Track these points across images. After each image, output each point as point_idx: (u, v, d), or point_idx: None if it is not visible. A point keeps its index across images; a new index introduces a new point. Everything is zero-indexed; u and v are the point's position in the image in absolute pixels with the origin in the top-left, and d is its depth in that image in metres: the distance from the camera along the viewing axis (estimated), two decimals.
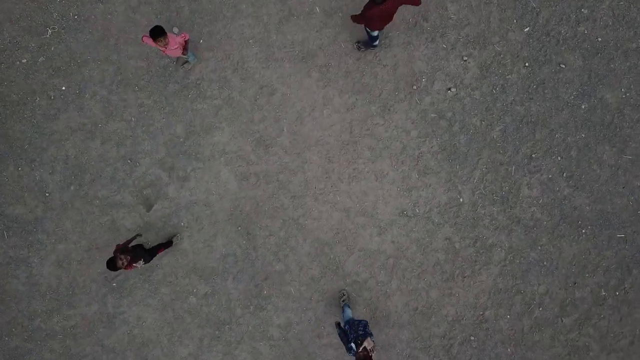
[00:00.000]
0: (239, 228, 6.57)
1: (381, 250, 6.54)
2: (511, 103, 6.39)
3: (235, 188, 6.53)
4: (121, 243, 5.76)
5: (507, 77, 6.37)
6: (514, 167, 6.44)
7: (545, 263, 6.52)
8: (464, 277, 6.58)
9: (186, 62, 6.39)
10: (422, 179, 6.46)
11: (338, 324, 5.36)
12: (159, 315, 6.68)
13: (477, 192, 6.47)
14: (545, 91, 6.35)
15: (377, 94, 6.42)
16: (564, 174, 6.42)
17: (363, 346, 4.83)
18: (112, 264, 5.21)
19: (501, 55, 6.36)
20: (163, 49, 5.21)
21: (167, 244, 6.35)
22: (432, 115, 6.42)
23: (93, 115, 6.51)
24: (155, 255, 5.95)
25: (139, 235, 6.17)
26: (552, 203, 6.45)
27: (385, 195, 6.48)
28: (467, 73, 6.38)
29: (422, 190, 6.47)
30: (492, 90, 6.38)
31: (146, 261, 5.65)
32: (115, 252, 5.40)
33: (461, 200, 6.48)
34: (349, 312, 5.94)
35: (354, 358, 5.13)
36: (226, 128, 6.48)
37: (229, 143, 6.49)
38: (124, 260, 5.26)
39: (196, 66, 6.43)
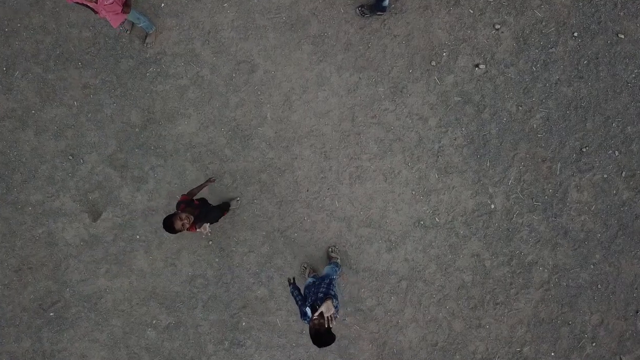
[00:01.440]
0: (210, 243, 5.16)
1: (392, 270, 5.14)
2: (555, 83, 5.03)
3: (205, 191, 5.12)
4: (186, 194, 4.26)
5: (551, 50, 5.02)
6: (559, 164, 5.07)
7: (599, 286, 5.14)
8: (497, 304, 5.19)
9: (147, 35, 5.02)
10: (444, 179, 5.09)
11: (291, 281, 4.09)
12: (109, 353, 5.25)
13: (513, 196, 5.10)
14: (599, 68, 5.00)
15: (386, 71, 5.05)
16: (623, 173, 5.06)
17: (319, 311, 3.44)
18: (170, 225, 3.82)
19: (543, 23, 5.01)
20: (93, 4, 3.84)
21: (224, 206, 4.97)
22: (456, 98, 5.06)
23: (25, 98, 5.10)
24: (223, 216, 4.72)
25: (210, 180, 4.58)
26: (608, 210, 5.09)
27: (397, 200, 5.10)
28: (500, 45, 5.03)
29: (444, 193, 5.09)
30: (531, 68, 5.03)
31: (212, 222, 4.31)
32: (178, 206, 4.06)
33: (492, 206, 5.11)
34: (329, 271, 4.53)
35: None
36: (194, 115, 5.09)
37: (197, 134, 5.10)
38: (186, 220, 3.86)
39: (156, 36, 5.05)
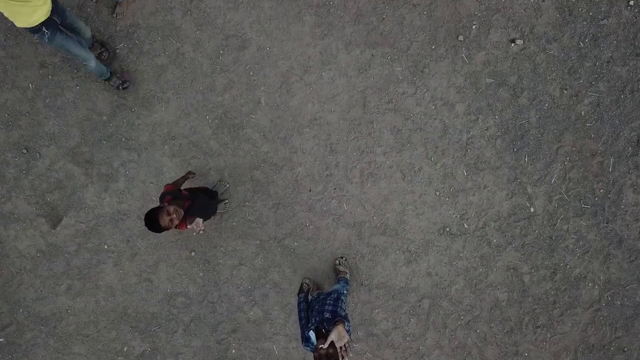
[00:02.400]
0: (193, 253, 4.29)
1: (411, 286, 4.28)
2: (607, 62, 4.18)
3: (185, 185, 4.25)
4: (171, 184, 3.45)
5: (602, 22, 4.17)
6: (612, 159, 4.22)
7: None
8: (537, 328, 4.33)
9: (117, 3, 4.16)
10: (473, 177, 4.23)
11: (302, 294, 3.31)
12: None
13: (556, 197, 4.24)
14: None
15: (404, 48, 4.20)
16: None
17: (329, 340, 2.53)
18: (154, 222, 2.95)
19: None
20: None
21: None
22: (488, 80, 4.20)
23: None
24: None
25: (190, 173, 3.83)
26: None
27: (418, 202, 4.24)
28: (541, 17, 4.18)
29: (474, 194, 4.24)
30: (578, 43, 4.18)
31: (207, 217, 3.48)
32: (162, 199, 3.20)
33: (532, 210, 4.25)
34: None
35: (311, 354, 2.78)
36: (173, 100, 4.23)
37: (176, 123, 4.23)
38: (175, 215, 2.98)
39: (127, 5, 4.18)
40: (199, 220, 3.13)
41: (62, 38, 3.54)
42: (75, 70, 4.22)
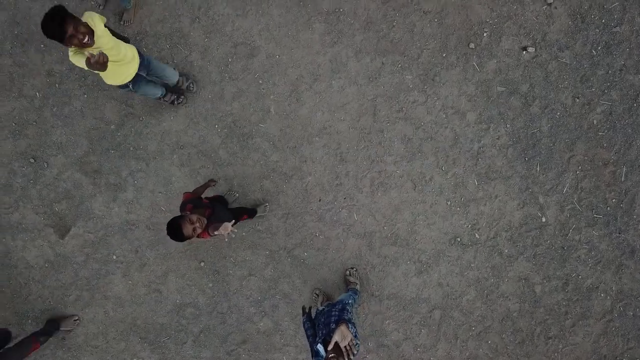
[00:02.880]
0: (202, 264, 4.26)
1: (422, 297, 4.25)
2: (620, 70, 4.14)
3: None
4: (190, 192, 3.38)
5: (614, 30, 4.12)
6: (624, 168, 4.18)
7: None
8: (549, 339, 4.30)
9: (124, 10, 4.12)
10: (485, 187, 4.19)
11: (306, 311, 3.16)
12: None
13: (568, 207, 4.21)
14: None
15: (414, 56, 4.16)
16: None
17: (332, 343, 2.51)
18: (177, 231, 2.88)
19: None
20: None
21: (251, 211, 4.03)
22: (499, 88, 4.16)
23: None
24: (237, 222, 3.58)
25: (212, 181, 3.64)
26: None
27: (429, 212, 4.20)
28: (553, 24, 4.14)
29: (485, 204, 4.20)
30: (590, 51, 4.14)
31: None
32: (183, 208, 3.13)
33: (544, 219, 4.21)
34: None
35: None
36: (181, 109, 4.19)
37: (185, 132, 4.19)
38: (198, 223, 2.92)
39: (135, 12, 4.14)
40: (227, 224, 3.00)
41: (145, 87, 3.59)
42: (83, 79, 4.18)
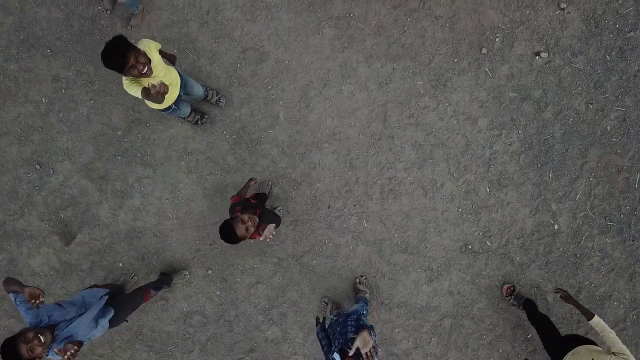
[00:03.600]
0: (209, 272, 4.21)
1: (432, 305, 4.19)
2: (634, 76, 4.09)
3: (202, 208, 4.17)
4: (236, 195, 3.40)
5: (629, 35, 4.07)
6: (638, 175, 4.13)
7: None
8: None
9: (132, 16, 4.06)
10: (496, 193, 4.14)
11: (320, 321, 3.15)
12: None
13: (581, 214, 4.15)
14: None
15: (425, 61, 4.10)
16: None
17: (354, 347, 2.51)
18: (230, 233, 2.88)
19: (619, 1, 4.06)
20: None
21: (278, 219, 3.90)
22: (512, 94, 4.11)
23: None
24: (278, 226, 3.58)
25: (252, 180, 3.60)
26: None
27: (440, 219, 4.15)
28: (566, 29, 4.08)
29: (496, 211, 4.14)
30: (604, 56, 4.08)
31: (277, 225, 3.31)
32: (232, 211, 3.13)
33: (556, 227, 4.16)
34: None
35: None
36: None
37: (193, 138, 4.14)
38: (250, 222, 2.91)
39: (142, 17, 4.09)
40: (271, 226, 3.04)
41: (183, 106, 3.61)
42: (89, 84, 4.13)
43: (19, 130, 4.17)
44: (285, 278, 4.19)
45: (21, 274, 4.22)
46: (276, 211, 4.05)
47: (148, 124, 4.14)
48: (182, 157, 4.15)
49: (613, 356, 2.97)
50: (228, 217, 3.87)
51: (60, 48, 4.13)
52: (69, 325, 2.85)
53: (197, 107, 4.07)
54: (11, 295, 2.89)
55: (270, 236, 3.04)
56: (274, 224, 3.09)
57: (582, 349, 3.16)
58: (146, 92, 2.82)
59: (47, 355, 2.71)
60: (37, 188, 4.19)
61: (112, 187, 4.18)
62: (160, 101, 2.96)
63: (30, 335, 2.54)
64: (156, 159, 4.15)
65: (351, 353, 2.53)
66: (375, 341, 2.71)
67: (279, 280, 4.20)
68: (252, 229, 2.91)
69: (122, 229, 4.20)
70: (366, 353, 2.52)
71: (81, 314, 2.94)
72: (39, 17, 4.12)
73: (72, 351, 2.65)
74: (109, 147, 4.16)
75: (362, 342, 2.52)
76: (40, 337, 2.57)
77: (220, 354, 4.26)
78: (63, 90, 4.15)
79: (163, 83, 2.80)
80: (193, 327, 4.25)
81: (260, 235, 3.06)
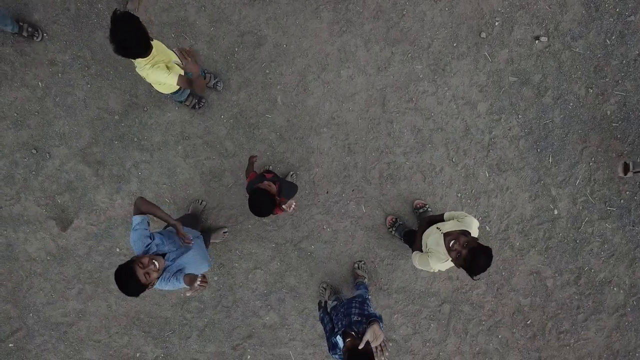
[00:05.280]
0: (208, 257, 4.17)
1: (431, 291, 4.17)
2: (635, 60, 4.06)
3: (200, 193, 4.14)
4: (250, 172, 3.34)
5: (629, 19, 4.05)
6: (638, 159, 4.10)
7: None
8: (560, 333, 4.22)
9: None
10: (496, 178, 4.11)
11: (322, 305, 3.15)
12: None
13: (581, 199, 4.13)
14: None
15: (424, 45, 4.07)
16: None
17: (364, 340, 2.44)
18: (260, 204, 2.83)
19: None
20: None
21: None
22: (511, 78, 4.08)
23: None
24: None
25: (253, 157, 3.49)
26: None
27: (439, 204, 4.12)
28: (566, 13, 4.06)
29: (496, 196, 4.12)
30: (604, 41, 4.06)
31: (295, 192, 3.46)
32: (250, 186, 3.06)
33: (556, 212, 4.14)
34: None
35: None
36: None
37: (191, 122, 4.11)
38: (269, 186, 2.91)
39: (140, 1, 4.06)
40: (291, 202, 3.03)
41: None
42: (86, 68, 4.10)
43: (15, 114, 4.13)
44: (283, 263, 4.17)
45: (17, 259, 4.19)
46: (289, 177, 4.01)
47: (145, 109, 4.11)
48: (180, 141, 4.12)
49: (453, 220, 2.91)
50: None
51: (57, 32, 4.09)
52: (179, 258, 2.82)
53: (195, 92, 4.04)
54: (138, 217, 2.77)
55: (292, 208, 3.00)
56: (293, 202, 3.07)
57: (432, 227, 3.04)
58: (186, 81, 2.86)
59: (155, 286, 2.66)
60: (33, 173, 4.16)
61: (109, 172, 4.15)
62: (203, 88, 2.96)
63: (146, 260, 2.51)
64: (153, 144, 4.13)
65: (361, 346, 2.47)
66: (382, 329, 2.67)
67: (277, 265, 4.17)
68: (273, 188, 2.89)
69: (119, 213, 4.17)
70: (376, 347, 2.47)
71: (186, 251, 2.92)
72: (35, 0, 4.08)
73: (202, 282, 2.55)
74: (105, 131, 4.13)
75: (372, 336, 2.47)
76: (156, 263, 2.53)
77: (218, 340, 4.23)
78: (60, 75, 4.11)
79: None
80: (191, 313, 4.22)
81: (282, 210, 3.03)
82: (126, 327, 4.24)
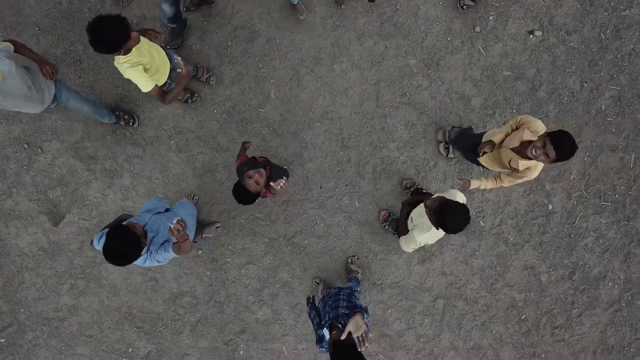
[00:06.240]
0: (200, 252, 4.16)
1: (425, 286, 4.15)
2: (629, 54, 4.05)
3: (193, 188, 4.12)
4: (242, 155, 3.26)
5: (623, 13, 4.03)
6: (633, 154, 4.09)
7: None
8: (555, 328, 4.20)
9: None
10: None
11: (310, 300, 3.07)
12: None
13: (575, 194, 4.11)
14: None
15: (418, 39, 4.06)
16: None
17: (346, 331, 2.39)
18: (242, 192, 2.79)
19: None
20: None
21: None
22: (506, 73, 4.06)
23: None
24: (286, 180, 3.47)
25: (246, 142, 3.41)
26: None
27: None
28: (560, 7, 4.04)
29: (490, 191, 4.10)
30: (599, 35, 4.04)
31: (286, 177, 3.31)
32: (241, 172, 2.98)
33: (550, 207, 4.12)
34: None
35: (327, 355, 2.68)
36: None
37: (183, 117, 4.09)
38: (257, 175, 2.80)
39: None
40: (280, 180, 2.95)
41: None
42: (78, 62, 4.08)
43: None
44: (276, 258, 4.15)
45: (9, 254, 4.17)
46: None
47: (137, 103, 4.09)
48: (172, 136, 4.10)
49: (436, 194, 2.89)
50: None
51: (49, 26, 4.07)
52: (159, 229, 2.82)
53: (187, 86, 4.02)
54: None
55: (280, 187, 2.92)
56: (284, 178, 3.02)
57: (419, 205, 3.04)
58: (159, 94, 3.01)
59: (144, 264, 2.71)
60: (25, 167, 4.14)
61: (101, 167, 4.13)
62: (169, 101, 3.10)
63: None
64: (146, 138, 4.10)
65: (343, 337, 2.44)
66: (368, 324, 2.65)
67: (270, 260, 4.15)
68: (261, 181, 2.82)
69: (112, 208, 4.14)
70: (358, 337, 2.46)
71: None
72: None
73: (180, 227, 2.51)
74: (98, 126, 4.11)
75: (355, 327, 2.44)
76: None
77: (210, 335, 4.21)
78: None
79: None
80: (183, 308, 4.20)
81: (272, 193, 3.00)
82: (118, 322, 4.22)
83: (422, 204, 2.93)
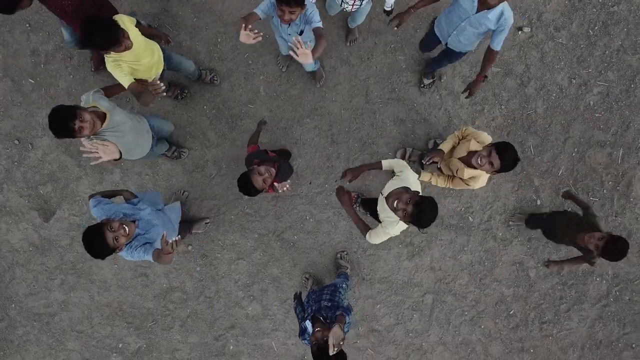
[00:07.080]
0: (190, 247, 4.18)
1: (414, 281, 4.17)
2: (617, 51, 4.06)
3: (182, 184, 4.14)
4: (252, 143, 3.24)
5: (612, 9, 4.05)
6: (621, 150, 4.11)
7: None
8: (543, 323, 4.23)
9: None
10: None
11: (297, 295, 3.11)
12: None
13: (564, 189, 4.13)
14: None
15: (407, 36, 4.07)
16: None
17: (331, 345, 2.41)
18: (248, 184, 2.75)
19: None
20: None
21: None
22: (494, 69, 4.08)
23: None
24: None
25: (262, 123, 3.47)
26: None
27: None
28: (549, 4, 4.06)
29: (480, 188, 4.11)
30: (587, 31, 4.06)
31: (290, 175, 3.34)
32: (250, 162, 2.99)
33: (539, 202, 4.14)
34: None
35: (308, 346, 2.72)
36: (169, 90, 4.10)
37: (173, 112, 4.11)
38: (267, 174, 2.80)
39: None
40: (286, 183, 2.97)
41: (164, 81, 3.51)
42: (69, 59, 4.09)
43: None
44: (266, 254, 4.17)
45: (0, 250, 4.19)
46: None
47: (127, 99, 4.10)
48: None
49: (391, 180, 2.92)
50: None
51: (39, 22, 4.08)
52: (150, 230, 2.78)
53: (177, 82, 4.03)
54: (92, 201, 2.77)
55: (283, 190, 2.93)
56: (289, 181, 3.03)
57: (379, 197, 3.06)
58: (136, 90, 2.92)
59: (120, 253, 2.61)
60: (16, 163, 4.15)
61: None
62: (148, 102, 2.97)
63: (116, 224, 2.44)
64: None
65: (331, 353, 2.44)
66: (350, 323, 2.68)
67: (260, 256, 4.17)
68: (269, 181, 2.81)
69: None
70: (334, 342, 2.47)
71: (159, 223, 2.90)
72: None
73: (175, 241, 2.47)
74: None
75: (334, 337, 2.46)
76: (126, 228, 2.48)
77: (200, 331, 4.23)
78: (42, 65, 4.11)
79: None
80: (173, 304, 4.22)
81: (274, 191, 2.99)
82: (109, 317, 4.24)
83: (380, 196, 2.93)
